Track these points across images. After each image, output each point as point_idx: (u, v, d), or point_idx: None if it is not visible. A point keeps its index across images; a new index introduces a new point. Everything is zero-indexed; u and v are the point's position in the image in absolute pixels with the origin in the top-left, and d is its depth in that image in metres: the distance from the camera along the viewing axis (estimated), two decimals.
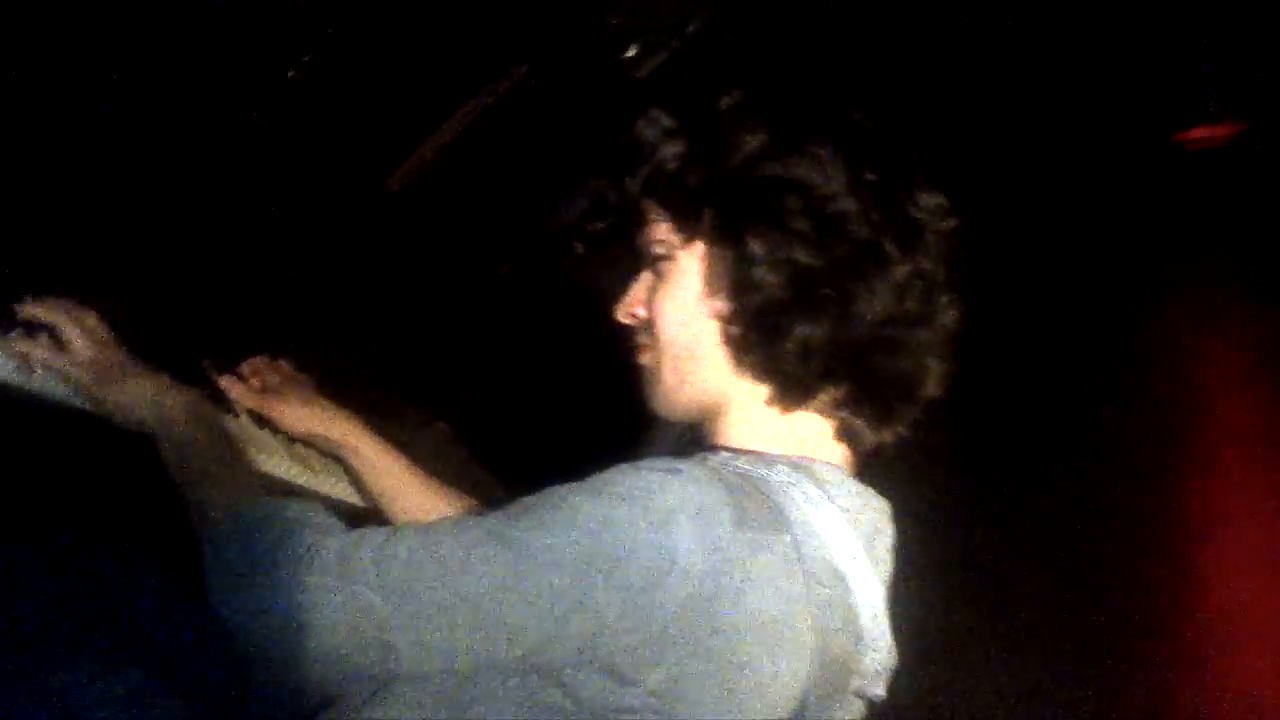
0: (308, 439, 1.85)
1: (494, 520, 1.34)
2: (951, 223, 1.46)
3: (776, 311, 1.41)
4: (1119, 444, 3.03)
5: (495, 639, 1.30)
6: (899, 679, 1.47)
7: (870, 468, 1.52)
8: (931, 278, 1.44)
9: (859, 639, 1.40)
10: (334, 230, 2.15)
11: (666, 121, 1.48)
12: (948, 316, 1.46)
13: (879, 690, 1.46)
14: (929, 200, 1.45)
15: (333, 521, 1.42)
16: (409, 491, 1.84)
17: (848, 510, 1.41)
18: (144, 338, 1.71)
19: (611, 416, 1.83)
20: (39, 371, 1.56)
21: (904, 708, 1.54)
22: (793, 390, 1.44)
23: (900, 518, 1.50)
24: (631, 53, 2.50)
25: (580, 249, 1.59)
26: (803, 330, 1.40)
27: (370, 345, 2.21)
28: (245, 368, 1.85)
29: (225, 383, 1.83)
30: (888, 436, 1.48)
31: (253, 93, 1.93)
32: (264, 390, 1.85)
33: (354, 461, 1.85)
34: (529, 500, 1.35)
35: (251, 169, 1.95)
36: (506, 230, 2.38)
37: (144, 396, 1.56)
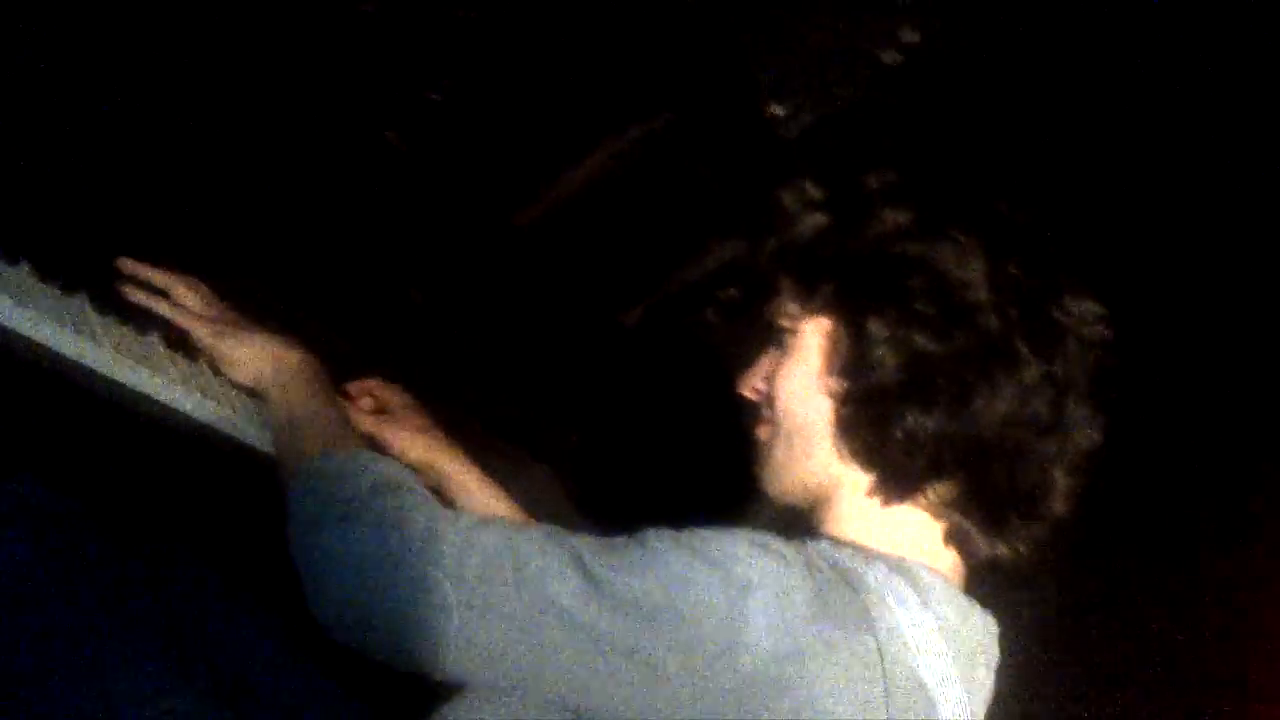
0: (414, 466, 1.81)
1: (582, 546, 1.30)
2: (1102, 331, 1.39)
3: (887, 396, 1.35)
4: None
5: (544, 665, 1.26)
6: None
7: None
8: (1068, 385, 1.36)
9: None
10: (458, 258, 2.12)
11: (812, 192, 1.44)
12: (1085, 430, 1.39)
13: None
14: (1079, 305, 1.39)
15: (427, 494, 1.40)
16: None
17: (946, 622, 1.34)
18: None
19: (715, 482, 1.78)
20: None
21: None
22: (897, 482, 1.38)
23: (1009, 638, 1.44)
24: (780, 112, 2.47)
25: (711, 316, 1.54)
26: (912, 419, 1.34)
27: (483, 376, 2.19)
28: (353, 388, 1.82)
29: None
30: (1004, 551, 1.41)
31: (390, 110, 1.92)
32: (377, 412, 1.83)
33: (459, 498, 1.81)
34: (619, 540, 1.32)
35: (380, 187, 1.93)
36: (633, 277, 2.34)
37: (260, 352, 1.58)
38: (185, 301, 1.62)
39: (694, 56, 2.28)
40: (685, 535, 1.30)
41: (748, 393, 1.50)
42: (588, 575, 1.26)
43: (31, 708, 1.47)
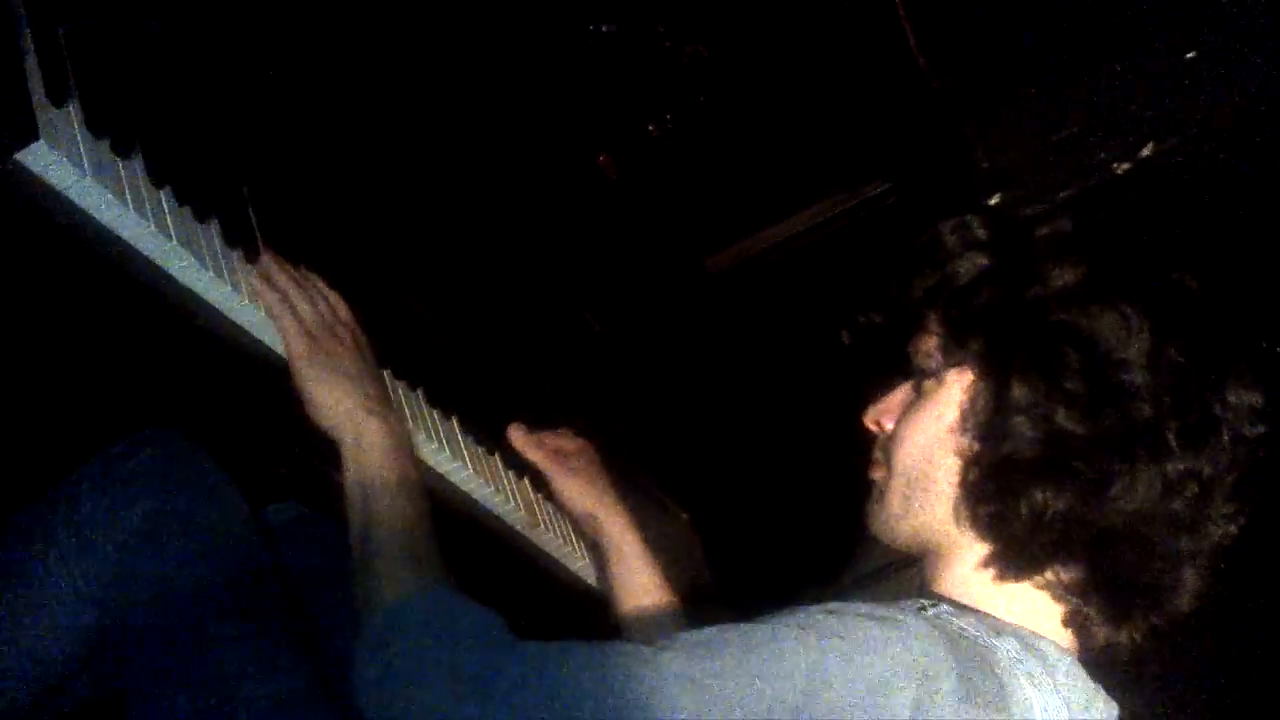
0: (574, 515, 1.79)
1: (678, 659, 1.18)
2: (1260, 430, 1.28)
3: (1019, 469, 1.25)
4: None
5: None
6: None
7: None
8: (1213, 482, 1.26)
9: None
10: (641, 292, 2.08)
11: (977, 232, 1.33)
12: (1222, 529, 1.28)
13: None
14: (1241, 398, 1.27)
15: (510, 636, 1.26)
16: (652, 604, 1.72)
17: (1071, 703, 1.25)
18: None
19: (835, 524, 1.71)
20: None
21: None
22: (1017, 557, 1.28)
23: None
24: (995, 201, 2.40)
25: (846, 339, 1.44)
26: (1041, 497, 1.24)
27: (647, 418, 2.14)
28: (548, 439, 1.80)
29: (514, 431, 1.78)
30: (1124, 639, 1.31)
31: (608, 136, 1.88)
32: (554, 450, 1.79)
33: (611, 557, 1.74)
34: (708, 634, 1.21)
35: (583, 210, 1.89)
36: (814, 344, 2.27)
37: (346, 407, 1.43)
38: (309, 314, 1.47)
39: (919, 134, 2.22)
40: (795, 620, 1.20)
41: (871, 425, 1.40)
42: (699, 688, 1.16)
43: (144, 668, 1.45)
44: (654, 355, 2.12)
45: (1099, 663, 1.35)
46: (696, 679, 1.16)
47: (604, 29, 1.79)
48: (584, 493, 1.75)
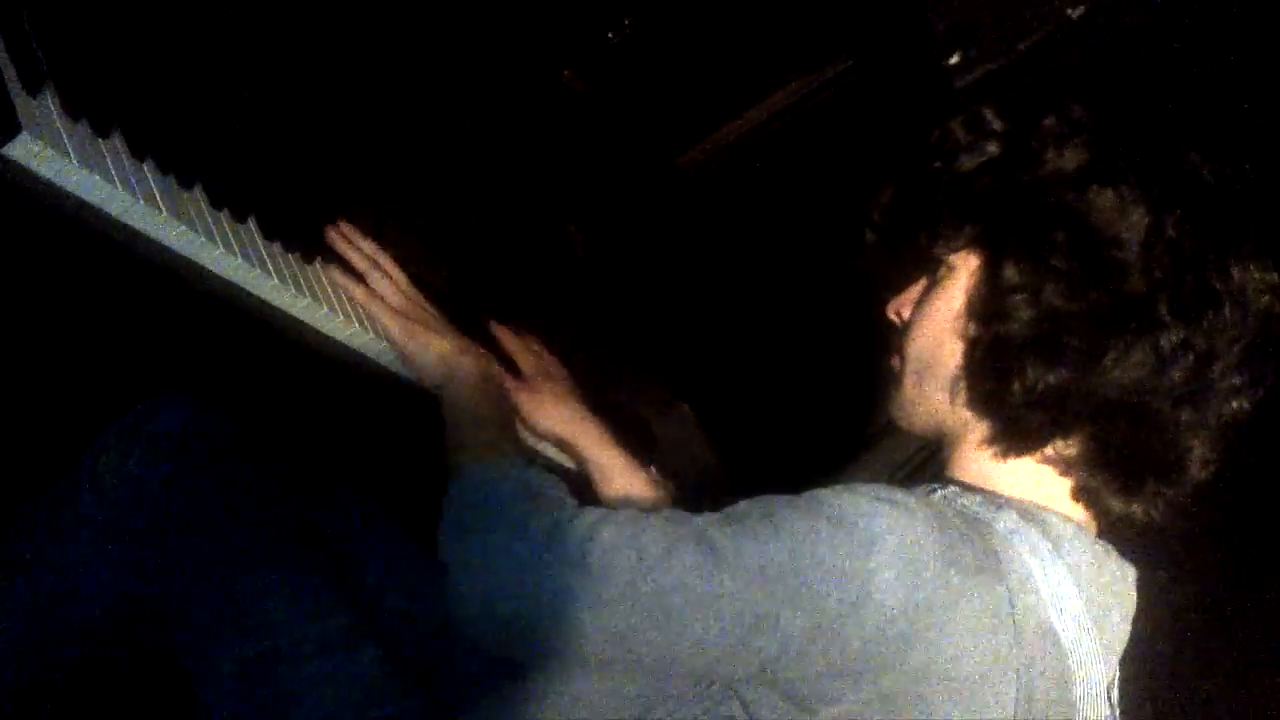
0: (548, 438, 1.77)
1: (703, 523, 1.29)
2: (1267, 302, 1.31)
3: (1013, 346, 1.30)
4: None
5: (677, 641, 1.25)
6: None
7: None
8: (1213, 354, 1.29)
9: (1070, 707, 1.30)
10: (618, 198, 2.10)
11: (991, 123, 1.38)
12: (1230, 402, 1.32)
13: None
14: (1245, 273, 1.31)
15: (559, 495, 1.39)
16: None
17: (1078, 569, 1.31)
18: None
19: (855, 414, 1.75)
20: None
21: None
22: (1014, 434, 1.34)
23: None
24: (954, 60, 2.41)
25: (871, 238, 1.50)
26: (1033, 374, 1.29)
27: (631, 317, 2.17)
28: (510, 342, 1.79)
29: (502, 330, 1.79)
30: (1139, 512, 1.36)
31: (570, 50, 1.89)
32: (520, 376, 1.79)
33: (595, 476, 1.76)
34: (741, 507, 1.30)
35: (552, 126, 1.90)
36: (796, 226, 2.30)
37: (441, 357, 1.56)
38: (386, 285, 1.61)
39: (874, 4, 2.23)
40: (805, 498, 1.29)
41: (892, 316, 1.47)
42: (711, 548, 1.25)
43: (188, 626, 1.50)
44: (638, 257, 2.15)
45: (1120, 534, 1.40)
46: (712, 543, 1.25)
47: None
48: (554, 414, 1.72)
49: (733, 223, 2.28)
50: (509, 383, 1.71)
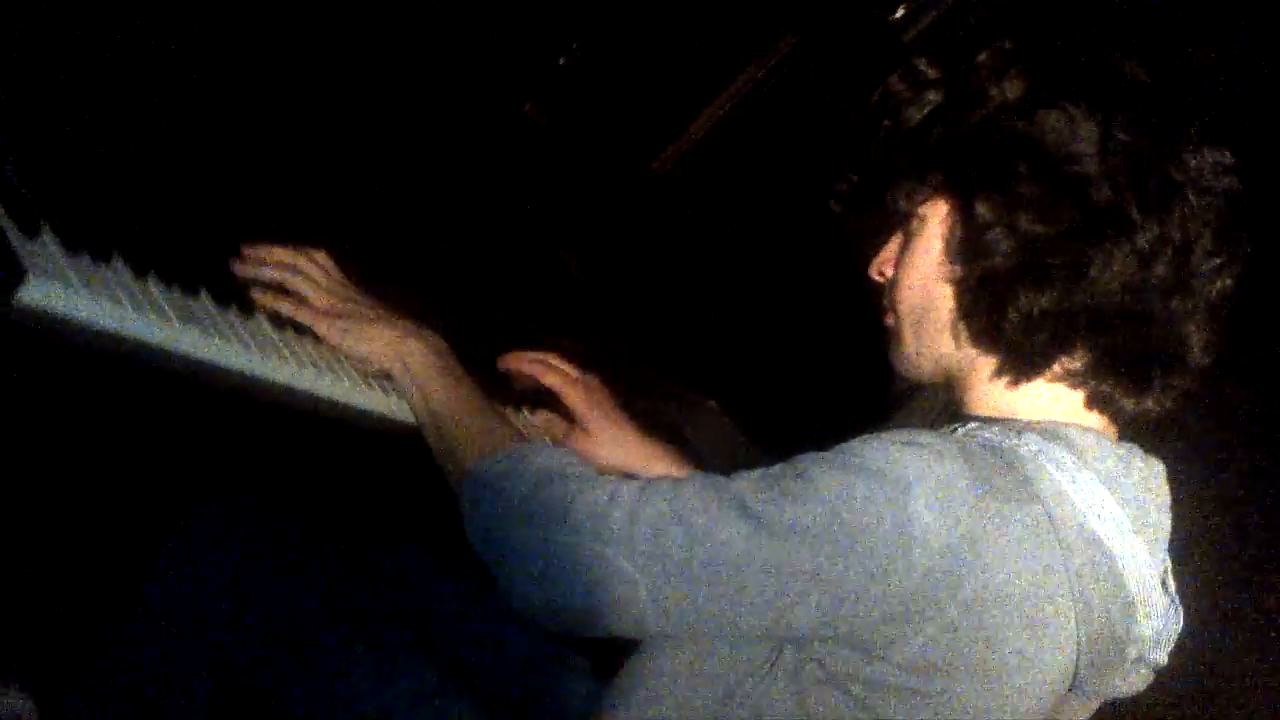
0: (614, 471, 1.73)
1: (740, 489, 1.31)
2: (1224, 182, 1.35)
3: (1000, 279, 1.34)
4: None
5: (736, 609, 1.29)
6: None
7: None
8: (1189, 242, 1.33)
9: (1129, 607, 1.34)
10: (602, 214, 2.14)
11: (925, 73, 1.41)
12: (1214, 283, 1.36)
13: (1161, 656, 1.41)
14: (1200, 159, 1.34)
15: (586, 469, 1.42)
16: None
17: (1107, 475, 1.34)
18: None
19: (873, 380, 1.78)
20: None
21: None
22: (1020, 361, 1.38)
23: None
24: (899, 14, 2.44)
25: (835, 208, 1.52)
26: (1026, 299, 1.33)
27: (638, 326, 2.22)
28: (549, 379, 1.76)
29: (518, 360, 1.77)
30: (1152, 405, 1.40)
31: (525, 84, 1.94)
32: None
33: None
34: (773, 471, 1.33)
35: (526, 158, 1.95)
36: (778, 207, 2.34)
37: (384, 344, 1.56)
38: (307, 288, 1.58)
39: None
40: (834, 452, 1.32)
41: (875, 275, 1.50)
42: (752, 515, 1.28)
43: (285, 708, 1.55)
44: (634, 267, 2.20)
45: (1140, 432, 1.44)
46: (753, 509, 1.29)
47: None
48: (618, 455, 1.73)
49: (717, 215, 2.32)
50: (565, 435, 1.74)
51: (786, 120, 2.24)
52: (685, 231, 2.27)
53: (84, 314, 1.32)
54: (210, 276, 1.51)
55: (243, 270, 1.56)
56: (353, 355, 1.57)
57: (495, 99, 1.91)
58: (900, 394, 2.29)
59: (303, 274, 1.59)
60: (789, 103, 2.25)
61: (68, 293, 1.31)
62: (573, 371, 1.79)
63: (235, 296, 1.53)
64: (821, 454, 1.32)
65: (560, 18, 1.97)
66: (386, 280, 1.68)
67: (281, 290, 1.58)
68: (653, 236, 2.26)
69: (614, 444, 1.74)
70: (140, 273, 1.42)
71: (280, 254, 1.59)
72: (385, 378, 1.58)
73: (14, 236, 1.29)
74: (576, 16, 1.98)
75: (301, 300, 1.58)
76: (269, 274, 1.58)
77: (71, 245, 1.35)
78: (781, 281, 2.37)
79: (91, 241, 1.37)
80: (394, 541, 1.79)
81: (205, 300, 1.49)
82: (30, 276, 1.27)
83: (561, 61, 1.97)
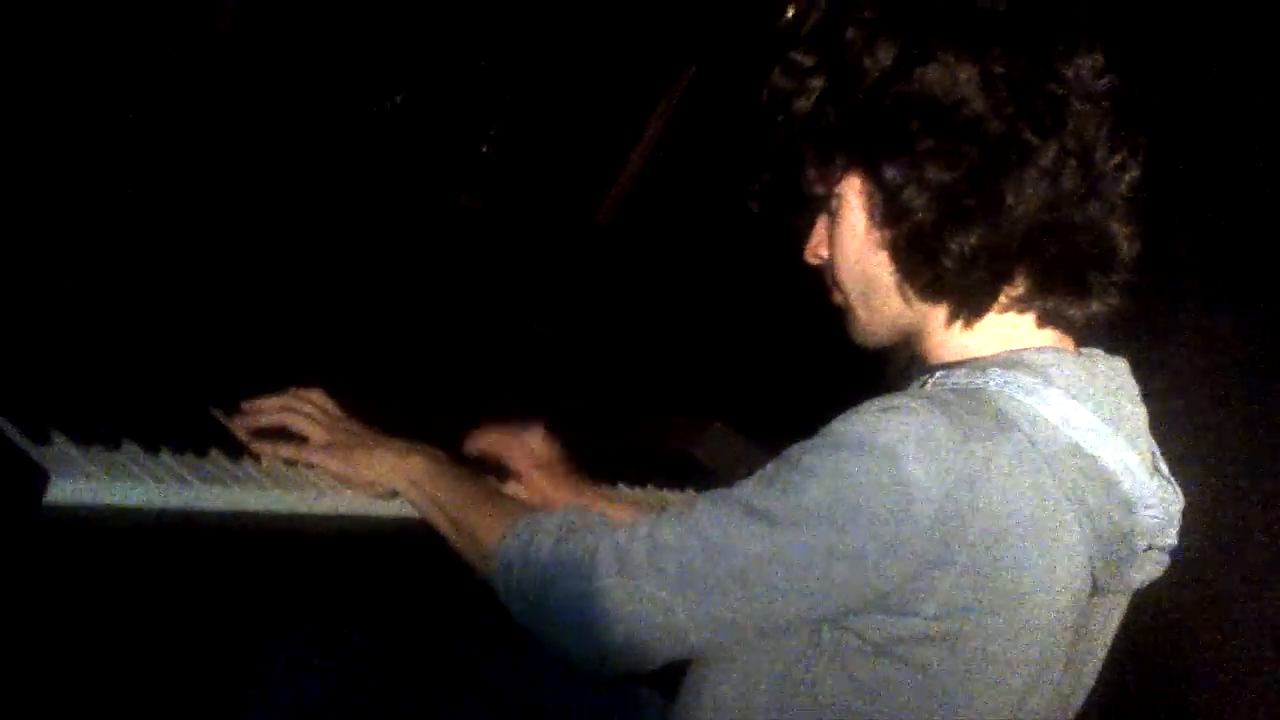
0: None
1: (743, 495, 1.38)
2: (1104, 83, 1.42)
3: (926, 232, 1.40)
4: None
5: (771, 604, 1.36)
6: None
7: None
8: (1088, 147, 1.40)
9: (1127, 502, 1.40)
10: (562, 278, 2.23)
11: (803, 62, 1.47)
12: (1122, 178, 1.43)
13: (1171, 539, 1.47)
14: (1075, 68, 1.41)
15: (598, 518, 1.50)
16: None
17: (1072, 386, 1.41)
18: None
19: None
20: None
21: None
22: (967, 302, 1.44)
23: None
24: (790, 15, 2.51)
25: (755, 207, 1.59)
26: (956, 243, 1.39)
27: (627, 370, 2.30)
28: (486, 445, 1.88)
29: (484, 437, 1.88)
30: (1098, 307, 1.46)
31: (454, 177, 2.03)
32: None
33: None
34: (767, 471, 1.39)
35: (473, 242, 2.05)
36: (724, 222, 2.42)
37: (387, 467, 1.65)
38: (305, 426, 1.67)
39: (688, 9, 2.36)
40: (818, 437, 1.38)
41: (811, 259, 1.55)
42: (761, 515, 1.35)
43: None
44: (607, 317, 2.28)
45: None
46: (760, 510, 1.35)
47: (397, 100, 1.95)
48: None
49: (669, 248, 2.41)
50: (511, 488, 1.83)
51: (707, 140, 2.33)
52: (643, 271, 2.36)
53: (110, 497, 1.41)
54: (216, 436, 1.61)
55: (242, 425, 1.66)
56: (359, 483, 1.66)
57: (431, 199, 2.00)
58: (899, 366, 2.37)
59: (298, 414, 1.69)
60: (705, 124, 2.34)
61: (90, 483, 1.40)
62: (509, 434, 1.89)
63: (244, 447, 1.62)
64: (807, 442, 1.38)
65: (475, 109, 2.07)
66: (377, 391, 1.78)
67: (284, 434, 1.67)
68: (618, 285, 2.34)
69: (554, 486, 1.86)
70: (151, 449, 1.51)
71: (273, 402, 1.69)
72: (393, 495, 1.67)
73: (28, 446, 1.39)
74: (489, 104, 2.08)
75: (302, 440, 1.67)
76: (267, 421, 1.67)
77: (83, 441, 1.44)
78: (747, 289, 2.44)
79: (99, 433, 1.47)
80: (454, 624, 1.86)
81: (218, 457, 1.58)
82: (53, 477, 1.37)
83: (484, 149, 2.06)
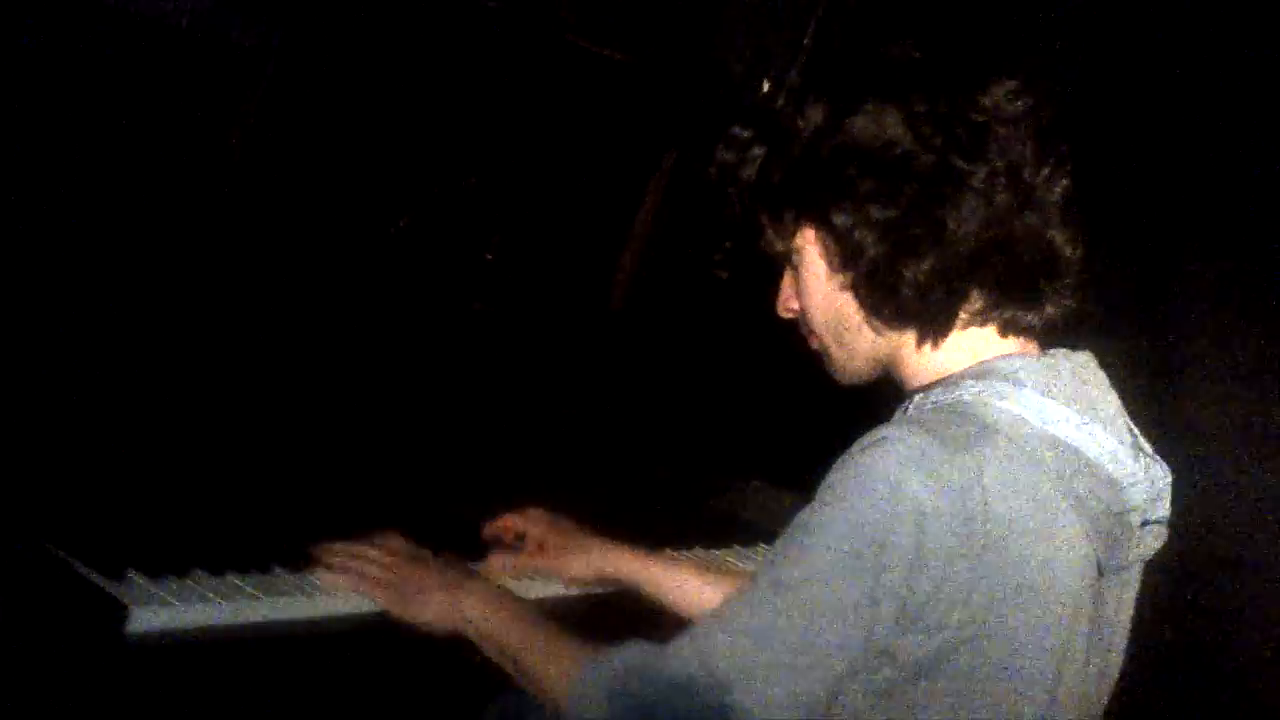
0: (592, 584, 1.98)
1: (766, 573, 1.47)
2: (1020, 105, 1.52)
3: (882, 267, 1.51)
4: None
5: (826, 664, 1.43)
6: None
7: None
8: (1015, 165, 1.50)
9: (1113, 484, 1.49)
10: (587, 364, 2.36)
11: (742, 135, 1.62)
12: (1053, 188, 1.53)
13: (1163, 511, 1.56)
14: (990, 96, 1.52)
15: (649, 650, 1.52)
16: (707, 593, 1.95)
17: (1042, 385, 1.50)
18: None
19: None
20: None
21: None
22: (930, 324, 1.54)
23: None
24: (766, 88, 2.61)
25: (724, 275, 1.73)
26: (910, 272, 1.50)
27: (662, 445, 2.43)
28: (507, 528, 2.01)
29: (495, 560, 1.97)
30: (1053, 310, 1.56)
31: (467, 286, 2.18)
32: (540, 549, 1.98)
33: (650, 591, 1.98)
34: (778, 546, 1.48)
35: (492, 347, 2.19)
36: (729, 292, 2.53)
37: (444, 608, 1.71)
38: (370, 569, 1.76)
39: (669, 92, 2.49)
40: (818, 495, 1.47)
41: (785, 313, 1.66)
42: (788, 585, 1.43)
43: None
44: (632, 399, 2.40)
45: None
46: (782, 582, 1.44)
47: (401, 224, 2.11)
48: (582, 564, 1.97)
49: (683, 320, 2.53)
50: (534, 562, 1.95)
51: (698, 217, 2.45)
52: (660, 347, 2.48)
53: (186, 620, 1.56)
54: (275, 554, 1.75)
55: (322, 564, 1.77)
56: (417, 622, 1.72)
57: (439, 312, 2.14)
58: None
59: (365, 558, 1.79)
60: (694, 201, 2.47)
61: (166, 610, 1.55)
62: (522, 515, 2.03)
63: (304, 561, 1.77)
64: (810, 504, 1.47)
65: (473, 222, 2.22)
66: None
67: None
68: (639, 367, 2.46)
69: (583, 550, 1.98)
70: (217, 572, 1.66)
71: (347, 547, 1.80)
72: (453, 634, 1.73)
73: (107, 585, 1.54)
74: (486, 215, 2.23)
75: (370, 580, 1.76)
76: (338, 562, 1.78)
77: (154, 573, 1.59)
78: (761, 347, 2.53)
79: (167, 564, 1.62)
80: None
81: (280, 573, 1.73)
82: (132, 609, 1.51)
83: (488, 257, 2.21)
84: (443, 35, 2.12)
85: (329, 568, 1.77)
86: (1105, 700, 1.65)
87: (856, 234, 1.52)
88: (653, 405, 2.44)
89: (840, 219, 1.53)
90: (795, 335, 1.66)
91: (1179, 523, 1.61)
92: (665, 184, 2.45)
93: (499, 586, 1.81)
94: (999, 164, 1.50)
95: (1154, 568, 1.65)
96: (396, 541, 1.83)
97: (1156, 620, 1.73)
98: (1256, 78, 2.68)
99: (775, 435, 2.55)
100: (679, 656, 1.47)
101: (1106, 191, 2.49)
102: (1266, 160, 2.68)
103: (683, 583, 1.97)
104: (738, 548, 2.34)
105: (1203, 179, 2.69)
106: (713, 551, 2.30)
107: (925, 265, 1.51)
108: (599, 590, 1.99)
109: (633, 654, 1.52)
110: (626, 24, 2.40)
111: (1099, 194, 1.67)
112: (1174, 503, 1.60)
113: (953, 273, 1.51)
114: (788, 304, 1.65)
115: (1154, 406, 1.80)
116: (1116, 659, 1.65)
